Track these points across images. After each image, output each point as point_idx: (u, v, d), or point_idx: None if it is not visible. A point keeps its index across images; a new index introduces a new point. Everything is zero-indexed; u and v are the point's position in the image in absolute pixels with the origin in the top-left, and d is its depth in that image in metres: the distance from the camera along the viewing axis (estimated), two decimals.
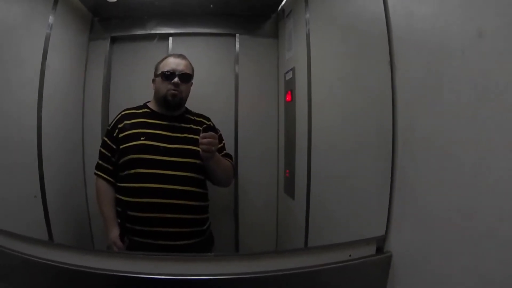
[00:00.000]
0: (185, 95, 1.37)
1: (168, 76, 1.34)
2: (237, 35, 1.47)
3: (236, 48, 1.47)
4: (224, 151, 1.42)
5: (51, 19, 1.29)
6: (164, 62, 1.37)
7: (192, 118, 1.40)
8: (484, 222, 0.73)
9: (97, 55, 1.40)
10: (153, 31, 1.44)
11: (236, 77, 1.47)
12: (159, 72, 1.36)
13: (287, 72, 1.47)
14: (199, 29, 1.48)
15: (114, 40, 1.42)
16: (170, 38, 1.43)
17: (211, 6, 1.45)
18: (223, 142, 1.42)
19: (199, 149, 1.30)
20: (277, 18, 1.51)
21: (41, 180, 1.21)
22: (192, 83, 1.38)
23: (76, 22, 1.41)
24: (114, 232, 1.29)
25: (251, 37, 1.49)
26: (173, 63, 1.36)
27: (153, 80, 1.38)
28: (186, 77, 1.36)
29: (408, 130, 1.02)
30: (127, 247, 1.28)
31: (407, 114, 1.02)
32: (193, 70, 1.38)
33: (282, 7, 1.51)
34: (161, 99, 1.36)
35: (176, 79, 1.34)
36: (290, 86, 1.46)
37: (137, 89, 1.44)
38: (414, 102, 0.99)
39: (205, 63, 1.47)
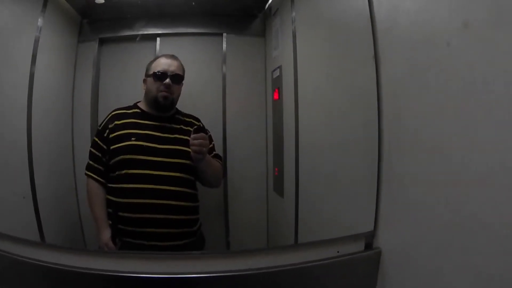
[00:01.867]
0: (176, 96, 1.38)
1: (159, 76, 1.34)
2: (224, 34, 1.48)
3: (224, 47, 1.47)
4: (214, 152, 1.43)
5: (40, 21, 1.29)
6: (156, 62, 1.37)
7: (182, 118, 1.41)
8: (473, 216, 0.73)
9: (86, 57, 1.40)
10: (140, 32, 1.45)
11: (224, 76, 1.47)
12: (151, 72, 1.35)
13: (274, 70, 1.48)
14: (187, 29, 1.48)
15: (102, 42, 1.42)
16: (158, 39, 1.44)
17: (193, 3, 1.45)
18: (213, 143, 1.42)
19: (190, 150, 1.31)
20: (264, 17, 1.52)
21: (31, 181, 1.22)
22: (182, 84, 1.38)
23: (65, 24, 1.41)
24: (106, 234, 1.29)
25: (238, 36, 1.50)
26: (165, 64, 1.36)
27: (144, 80, 1.38)
28: (178, 78, 1.36)
29: (395, 125, 1.02)
30: (119, 248, 1.28)
31: (393, 109, 1.02)
32: (184, 71, 1.38)
33: (269, 5, 1.51)
34: (152, 100, 1.36)
35: (167, 80, 1.34)
36: (277, 84, 1.47)
37: (126, 90, 1.45)
38: (400, 96, 0.99)
39: (192, 63, 1.45)
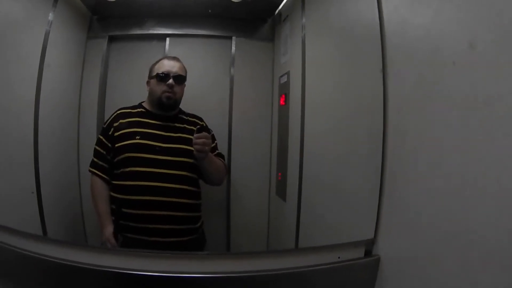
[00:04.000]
0: (179, 96, 1.40)
1: (163, 77, 1.36)
2: (234, 37, 1.49)
3: (232, 50, 1.49)
4: (217, 151, 1.45)
5: (51, 16, 1.30)
6: (159, 64, 1.39)
7: (186, 118, 1.43)
8: (471, 228, 0.74)
9: (94, 54, 1.41)
10: (150, 31, 1.46)
11: (231, 79, 1.48)
12: (154, 74, 1.38)
13: (282, 76, 1.49)
14: (196, 31, 1.49)
15: (112, 39, 1.43)
16: (167, 39, 1.45)
17: (209, 11, 1.47)
18: (216, 142, 1.44)
19: (193, 149, 1.33)
20: (273, 22, 1.53)
21: (36, 176, 1.22)
22: (185, 85, 1.40)
23: (75, 20, 1.41)
24: (109, 229, 1.31)
25: (247, 40, 1.51)
26: (167, 65, 1.38)
27: (148, 82, 1.40)
28: (181, 79, 1.38)
29: (399, 135, 1.03)
30: (121, 244, 1.30)
31: (398, 120, 1.03)
32: (186, 72, 1.40)
33: (279, 11, 1.52)
34: (155, 100, 1.38)
35: (170, 81, 1.36)
36: (284, 90, 1.48)
37: (133, 89, 1.45)
38: (405, 108, 1.00)
39: (201, 65, 1.49)
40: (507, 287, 0.66)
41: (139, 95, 1.41)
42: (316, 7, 1.43)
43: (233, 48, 1.49)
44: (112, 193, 1.34)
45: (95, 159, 1.35)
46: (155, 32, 1.46)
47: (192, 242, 1.38)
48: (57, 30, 1.31)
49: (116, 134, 1.33)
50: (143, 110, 1.40)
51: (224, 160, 1.47)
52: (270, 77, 1.52)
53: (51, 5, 1.30)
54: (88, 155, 1.34)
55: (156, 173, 1.32)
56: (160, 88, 1.37)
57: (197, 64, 1.44)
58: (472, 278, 0.74)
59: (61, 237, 1.28)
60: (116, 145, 1.33)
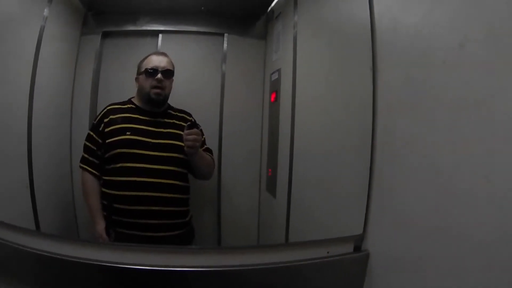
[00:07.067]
0: (168, 91, 1.41)
1: (151, 73, 1.38)
2: (226, 34, 1.50)
3: (224, 47, 1.50)
4: (205, 146, 1.46)
5: (46, 11, 1.30)
6: (147, 60, 1.40)
7: (174, 113, 1.44)
8: (459, 224, 0.75)
9: (88, 49, 1.41)
10: (144, 28, 1.46)
11: (223, 76, 1.49)
12: (142, 70, 1.39)
13: (273, 73, 1.50)
14: (189, 28, 1.50)
15: (105, 35, 1.43)
16: (160, 35, 1.46)
17: (202, 8, 1.48)
18: (204, 137, 1.44)
19: (182, 144, 1.35)
20: (266, 20, 1.54)
21: (30, 170, 1.23)
22: (173, 80, 1.41)
23: (70, 16, 1.42)
24: (100, 225, 1.33)
25: (239, 37, 1.52)
26: (155, 61, 1.39)
27: (136, 78, 1.41)
28: (169, 73, 1.40)
29: (388, 133, 1.04)
30: (113, 239, 1.31)
31: (387, 118, 1.04)
32: (173, 66, 1.41)
33: (271, 8, 1.53)
34: (145, 96, 1.39)
35: (159, 75, 1.37)
36: (275, 87, 1.49)
37: (126, 84, 1.45)
38: (394, 106, 1.01)
39: (193, 61, 1.51)
40: (496, 282, 0.67)
41: (132, 90, 1.41)
42: (309, 5, 1.44)
43: (225, 45, 1.49)
44: (103, 189, 1.35)
45: (85, 155, 1.36)
46: (148, 28, 1.47)
47: (181, 236, 1.40)
48: (52, 26, 1.31)
49: (107, 130, 1.35)
50: (132, 106, 1.41)
51: (212, 154, 1.48)
52: (261, 74, 1.53)
53: (46, 0, 1.31)
54: (80, 150, 1.35)
55: (147, 168, 1.34)
56: (149, 83, 1.38)
57: (189, 60, 1.46)
58: (460, 274, 0.75)
59: (53, 231, 1.28)
60: (107, 141, 1.34)
